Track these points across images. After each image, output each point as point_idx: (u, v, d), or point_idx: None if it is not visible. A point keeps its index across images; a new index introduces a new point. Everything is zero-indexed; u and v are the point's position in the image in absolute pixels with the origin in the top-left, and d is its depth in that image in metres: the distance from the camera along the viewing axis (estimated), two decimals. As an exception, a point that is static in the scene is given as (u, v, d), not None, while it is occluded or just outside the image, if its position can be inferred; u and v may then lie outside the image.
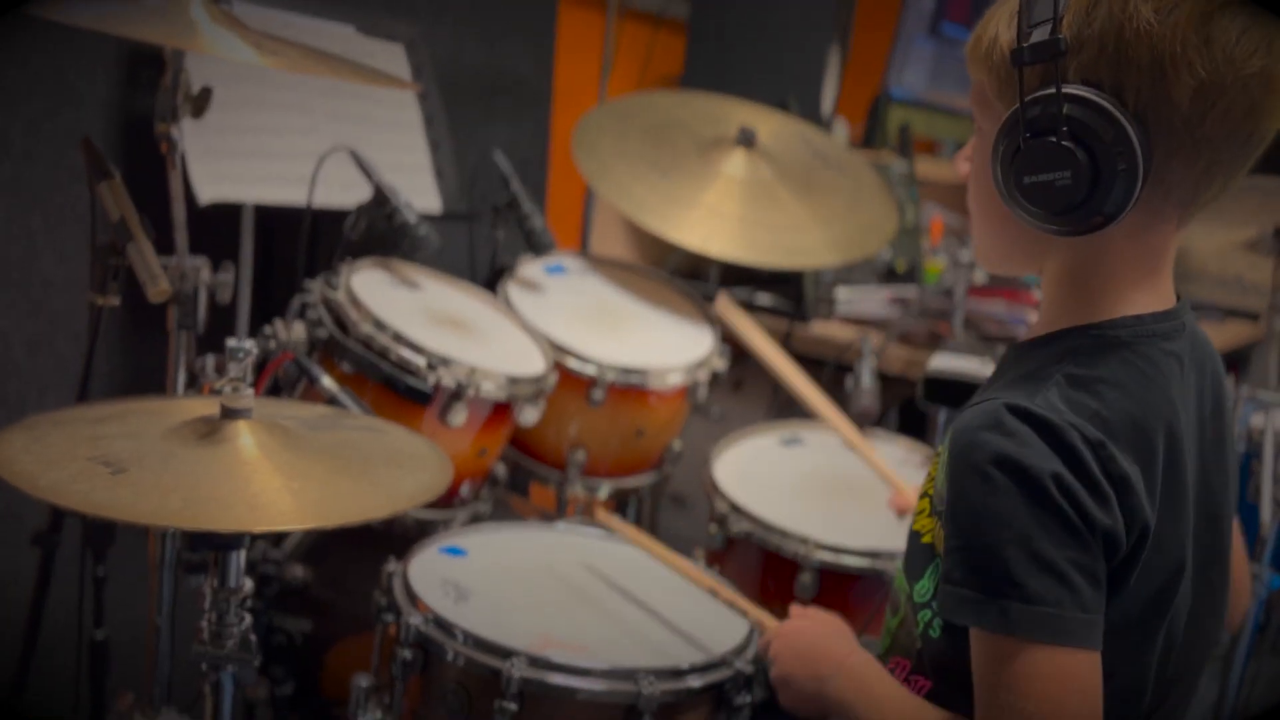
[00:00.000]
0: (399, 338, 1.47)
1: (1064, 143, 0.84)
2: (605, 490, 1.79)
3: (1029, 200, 0.87)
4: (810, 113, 2.56)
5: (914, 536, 1.03)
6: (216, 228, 1.64)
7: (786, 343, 2.35)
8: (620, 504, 1.94)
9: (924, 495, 1.03)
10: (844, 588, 1.53)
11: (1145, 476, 0.87)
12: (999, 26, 0.91)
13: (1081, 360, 0.90)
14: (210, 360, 1.46)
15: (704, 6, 2.74)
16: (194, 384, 1.46)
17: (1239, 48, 0.83)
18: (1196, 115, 0.84)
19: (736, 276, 2.42)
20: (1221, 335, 2.62)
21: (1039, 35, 0.84)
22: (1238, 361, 2.95)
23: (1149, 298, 0.93)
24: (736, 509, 1.59)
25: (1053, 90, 0.84)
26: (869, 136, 2.98)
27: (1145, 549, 0.87)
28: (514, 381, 1.52)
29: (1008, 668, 0.84)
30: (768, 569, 1.57)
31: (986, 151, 0.93)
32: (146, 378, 1.68)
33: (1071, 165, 0.84)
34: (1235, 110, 0.84)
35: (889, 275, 2.60)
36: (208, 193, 1.62)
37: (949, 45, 3.25)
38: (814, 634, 1.14)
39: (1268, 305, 1.69)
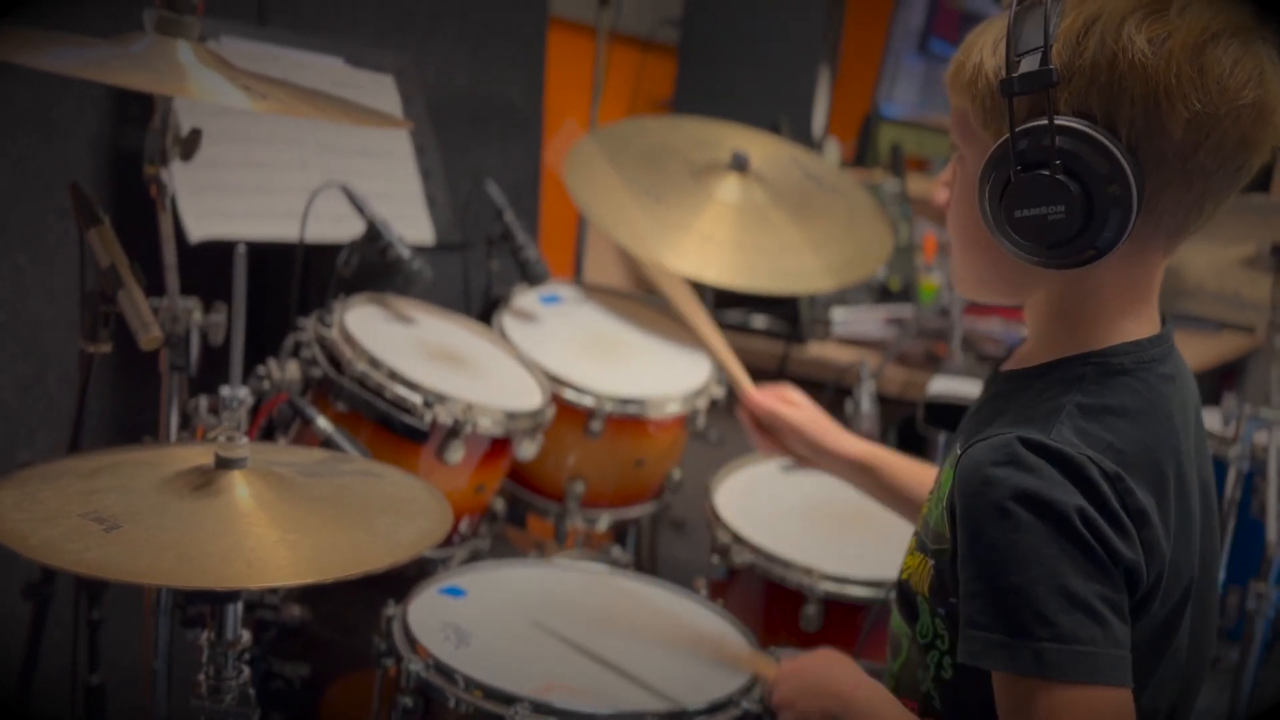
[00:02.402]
0: (394, 375, 1.45)
1: (1057, 176, 0.82)
2: (605, 521, 1.78)
3: (1020, 234, 0.85)
4: (801, 133, 2.56)
5: (904, 585, 1.01)
6: (208, 266, 1.62)
7: (783, 365, 2.35)
8: (620, 534, 1.92)
9: (914, 533, 1.01)
10: (850, 618, 1.51)
11: (1160, 508, 0.86)
12: (983, 53, 0.89)
13: (1089, 389, 0.88)
14: (204, 401, 1.44)
15: (693, 29, 2.74)
16: (187, 426, 1.44)
17: (1232, 79, 0.82)
18: (1190, 146, 0.83)
19: (731, 300, 2.41)
20: (1218, 347, 2.61)
21: (1028, 64, 0.82)
22: (1233, 373, 2.95)
23: (1141, 324, 0.92)
24: (739, 539, 1.57)
25: (1044, 122, 0.82)
26: (860, 155, 2.98)
27: (1164, 581, 0.86)
28: (511, 416, 1.51)
29: (1039, 710, 0.81)
30: (771, 600, 1.55)
31: (969, 180, 0.91)
32: (139, 418, 1.66)
33: (1065, 199, 0.82)
34: (1228, 142, 0.83)
35: (884, 294, 2.59)
36: (198, 230, 1.61)
37: (938, 63, 3.26)
38: (817, 671, 1.12)
39: (1267, 322, 1.69)
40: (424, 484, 1.12)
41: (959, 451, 0.92)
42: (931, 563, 0.94)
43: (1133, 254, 0.88)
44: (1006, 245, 0.87)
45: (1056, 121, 0.82)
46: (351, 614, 1.59)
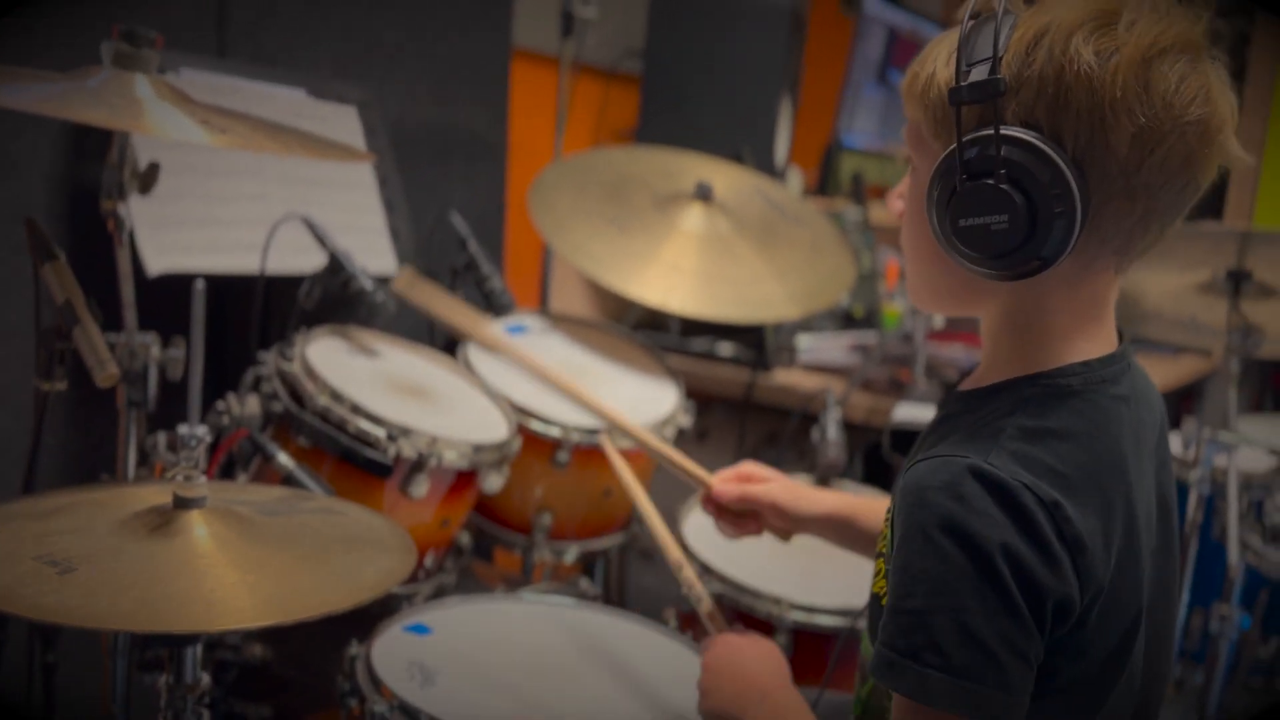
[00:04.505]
0: (357, 409, 1.43)
1: (1001, 185, 0.82)
2: (573, 553, 1.76)
3: (964, 243, 0.85)
4: (764, 162, 2.58)
5: (874, 600, 1.01)
6: (166, 300, 1.60)
7: (749, 393, 2.35)
8: (588, 565, 1.91)
9: (879, 555, 1.01)
10: (818, 647, 1.51)
11: (1104, 531, 0.85)
12: (937, 64, 0.90)
13: (1032, 411, 0.88)
14: (162, 438, 1.42)
15: (656, 60, 2.76)
16: (146, 463, 1.41)
17: (1178, 96, 0.82)
18: (1134, 162, 0.83)
19: (697, 327, 2.42)
20: (1176, 370, 2.65)
21: (978, 74, 0.83)
22: (1192, 396, 2.99)
23: (1094, 345, 0.92)
24: (708, 570, 1.56)
25: (990, 131, 0.82)
26: (823, 184, 3.01)
27: (1098, 607, 0.85)
28: (477, 449, 1.50)
29: None
30: (740, 630, 1.54)
31: (921, 191, 0.91)
32: (95, 455, 1.63)
33: (1008, 209, 0.82)
34: (1173, 159, 0.84)
35: (847, 321, 2.61)
36: (157, 264, 1.59)
37: (896, 93, 3.30)
38: (749, 656, 1.11)
39: (1224, 346, 1.71)
40: (387, 521, 1.10)
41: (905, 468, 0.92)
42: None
43: (1080, 270, 0.88)
44: (953, 255, 0.87)
45: (1002, 131, 0.82)
46: (314, 653, 1.56)
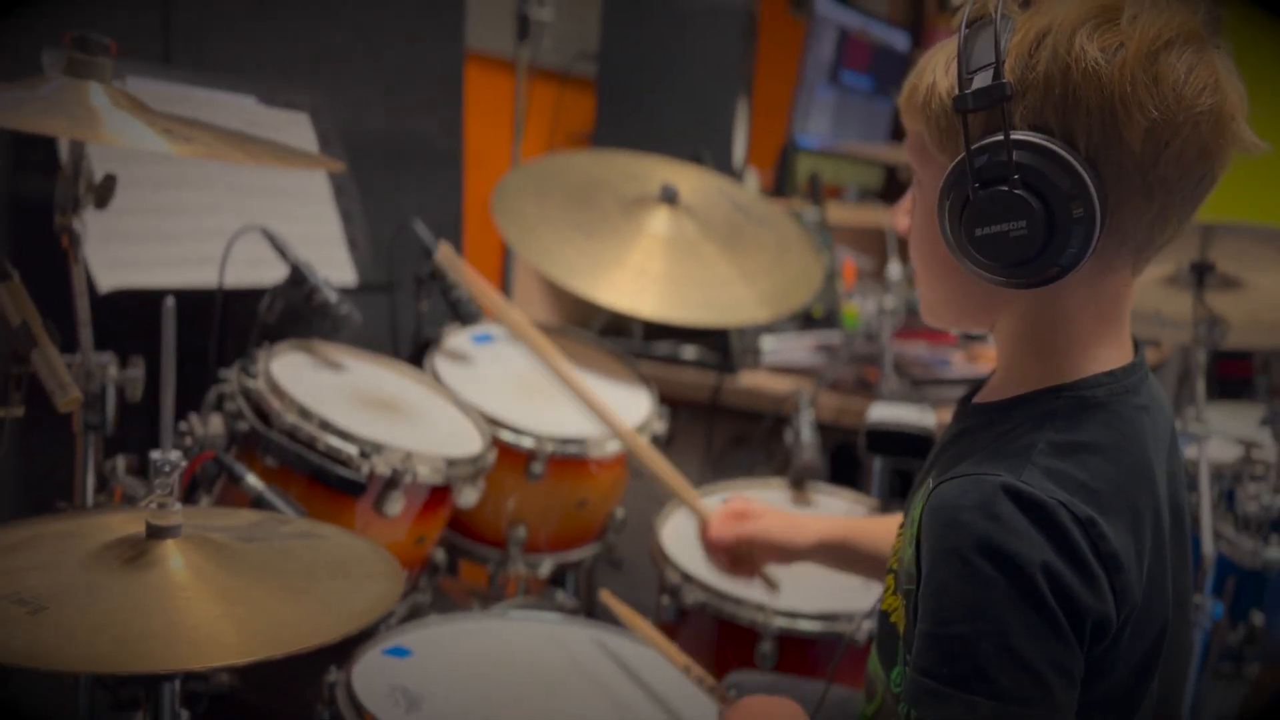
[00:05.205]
0: (326, 425, 1.38)
1: (1017, 191, 0.80)
2: (547, 566, 1.73)
3: (982, 253, 0.83)
4: (723, 164, 2.56)
5: (883, 616, 0.99)
6: (116, 318, 1.54)
7: (716, 397, 2.33)
8: (559, 577, 1.87)
9: (890, 571, 0.99)
10: (803, 653, 1.49)
11: (1136, 548, 0.84)
12: (936, 74, 0.88)
13: (1060, 425, 0.86)
14: (121, 462, 1.36)
15: (611, 63, 2.73)
16: (104, 488, 1.35)
17: (1188, 86, 0.81)
18: (1149, 157, 0.82)
19: (660, 331, 2.39)
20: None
21: (980, 81, 0.81)
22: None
23: (1114, 352, 0.90)
24: (689, 578, 1.54)
25: (1000, 137, 0.81)
26: (780, 185, 3.00)
27: (1132, 624, 0.84)
28: (451, 463, 1.45)
29: None
30: (725, 639, 1.52)
31: (929, 204, 0.90)
32: (48, 482, 1.55)
33: (1026, 215, 0.80)
34: (1188, 151, 0.82)
35: (808, 321, 2.60)
36: (107, 281, 1.52)
37: (848, 93, 3.31)
38: (764, 715, 1.08)
39: (1190, 338, 1.72)
40: (370, 543, 1.06)
41: (931, 486, 0.90)
42: (905, 602, 0.92)
43: (1099, 274, 0.87)
44: (969, 266, 0.85)
45: (1013, 136, 0.80)
46: (285, 677, 1.50)
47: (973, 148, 0.82)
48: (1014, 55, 0.82)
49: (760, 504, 1.39)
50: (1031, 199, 0.80)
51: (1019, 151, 0.81)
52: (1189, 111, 0.81)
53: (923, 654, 0.82)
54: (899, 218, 0.99)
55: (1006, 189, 0.81)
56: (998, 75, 0.81)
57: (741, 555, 1.36)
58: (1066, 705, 0.80)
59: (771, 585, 1.39)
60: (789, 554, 1.33)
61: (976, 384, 1.02)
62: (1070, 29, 0.82)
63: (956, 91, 0.83)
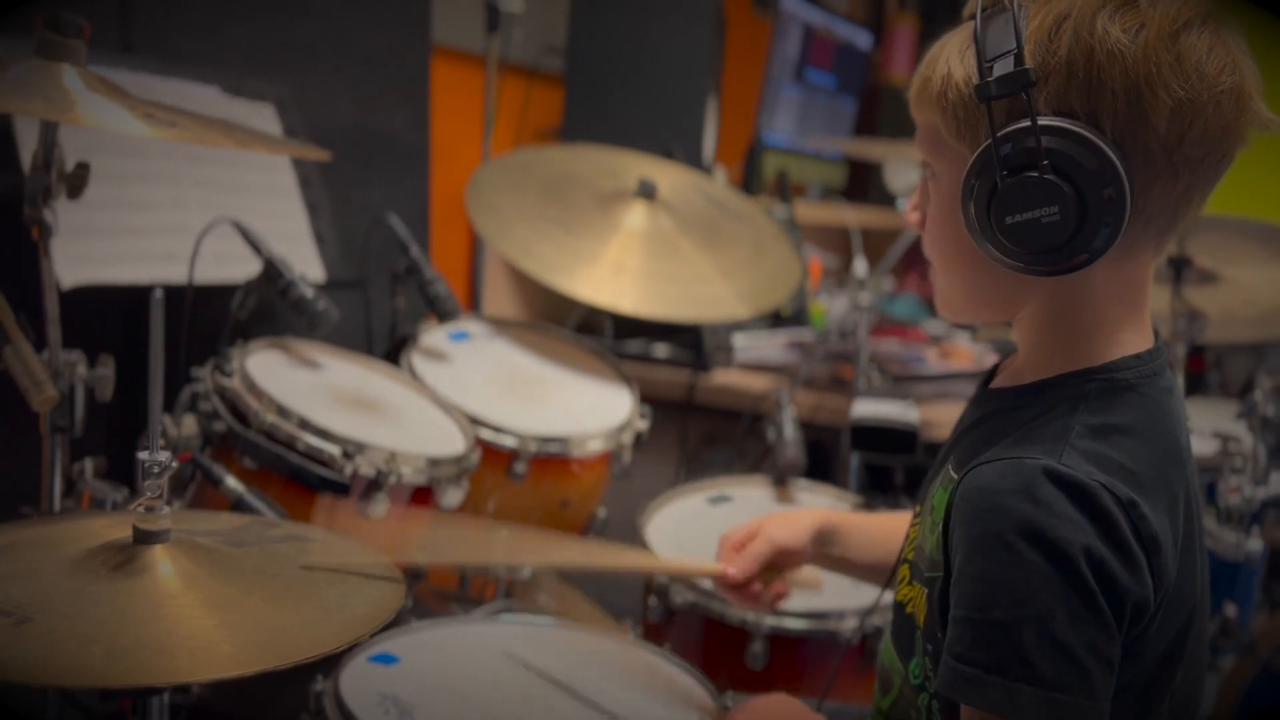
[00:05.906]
0: (306, 424, 1.34)
1: (1047, 177, 0.80)
2: (529, 567, 1.69)
3: (1012, 241, 0.82)
4: (693, 161, 2.54)
5: (898, 608, 0.97)
6: (77, 315, 1.48)
7: (690, 394, 2.31)
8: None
9: (904, 561, 0.97)
10: (793, 652, 1.47)
11: (1171, 527, 0.84)
12: (950, 64, 0.87)
13: (1094, 407, 0.85)
14: (89, 464, 1.30)
15: (579, 59, 2.70)
16: (72, 492, 1.29)
17: (1209, 65, 0.81)
18: (1175, 137, 0.82)
19: (632, 329, 2.36)
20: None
21: (1001, 68, 0.81)
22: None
23: (1138, 336, 0.90)
24: (676, 578, 1.51)
25: (1027, 124, 0.80)
26: (747, 182, 2.99)
27: (1164, 607, 0.83)
28: (435, 463, 1.41)
29: None
30: (713, 639, 1.49)
31: (947, 195, 0.89)
32: (11, 486, 1.48)
33: (1058, 200, 0.80)
34: (1212, 129, 0.82)
35: (776, 320, 2.59)
36: (70, 277, 1.46)
37: (812, 91, 3.31)
38: (765, 713, 1.07)
39: (1170, 333, 1.73)
40: (365, 546, 1.02)
41: (954, 473, 0.88)
42: (926, 591, 0.90)
43: (1124, 256, 0.86)
44: (996, 255, 0.84)
45: (1040, 121, 0.80)
46: (256, 687, 1.45)
47: (998, 135, 0.81)
48: (1033, 40, 0.82)
49: (743, 525, 1.29)
50: (1062, 184, 0.80)
51: (1046, 136, 0.80)
52: (1211, 90, 0.81)
53: (960, 640, 0.80)
54: (909, 214, 0.98)
55: (1036, 175, 0.80)
56: (1019, 61, 0.80)
57: (770, 578, 1.26)
58: (1105, 692, 0.79)
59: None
60: (797, 556, 1.24)
61: (991, 370, 1.01)
62: (1091, 12, 0.82)
63: (976, 80, 0.82)
